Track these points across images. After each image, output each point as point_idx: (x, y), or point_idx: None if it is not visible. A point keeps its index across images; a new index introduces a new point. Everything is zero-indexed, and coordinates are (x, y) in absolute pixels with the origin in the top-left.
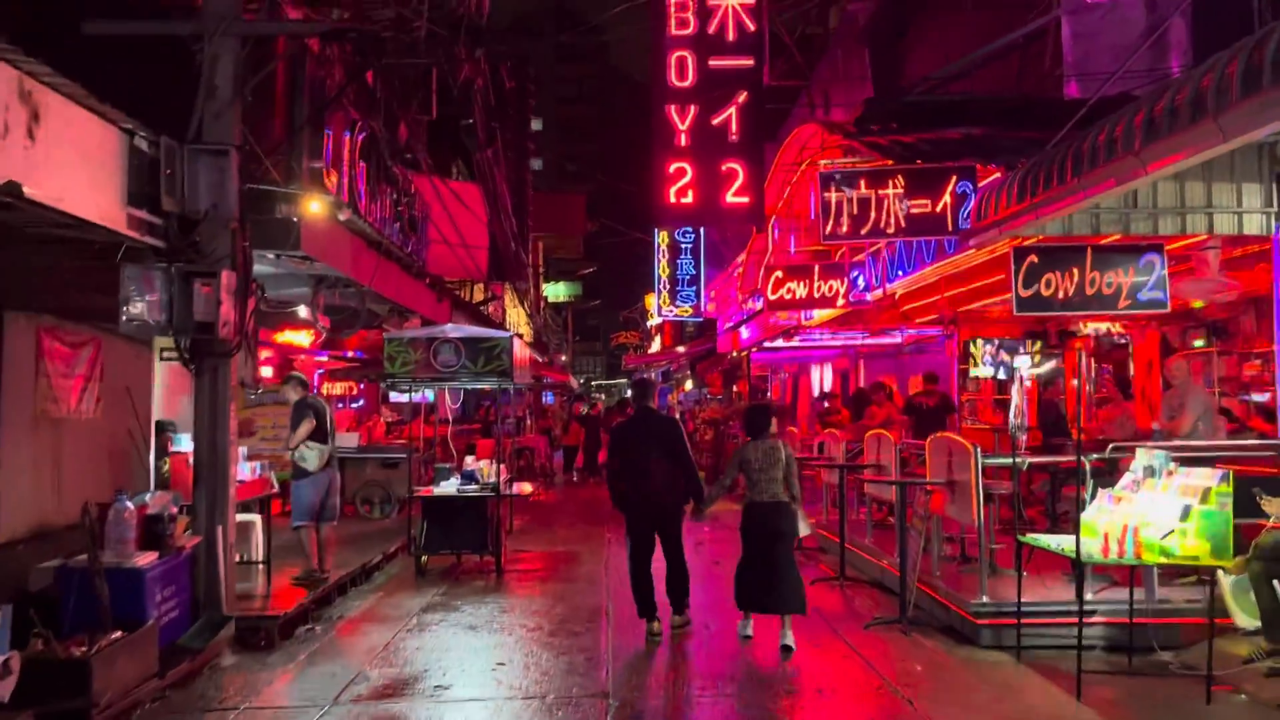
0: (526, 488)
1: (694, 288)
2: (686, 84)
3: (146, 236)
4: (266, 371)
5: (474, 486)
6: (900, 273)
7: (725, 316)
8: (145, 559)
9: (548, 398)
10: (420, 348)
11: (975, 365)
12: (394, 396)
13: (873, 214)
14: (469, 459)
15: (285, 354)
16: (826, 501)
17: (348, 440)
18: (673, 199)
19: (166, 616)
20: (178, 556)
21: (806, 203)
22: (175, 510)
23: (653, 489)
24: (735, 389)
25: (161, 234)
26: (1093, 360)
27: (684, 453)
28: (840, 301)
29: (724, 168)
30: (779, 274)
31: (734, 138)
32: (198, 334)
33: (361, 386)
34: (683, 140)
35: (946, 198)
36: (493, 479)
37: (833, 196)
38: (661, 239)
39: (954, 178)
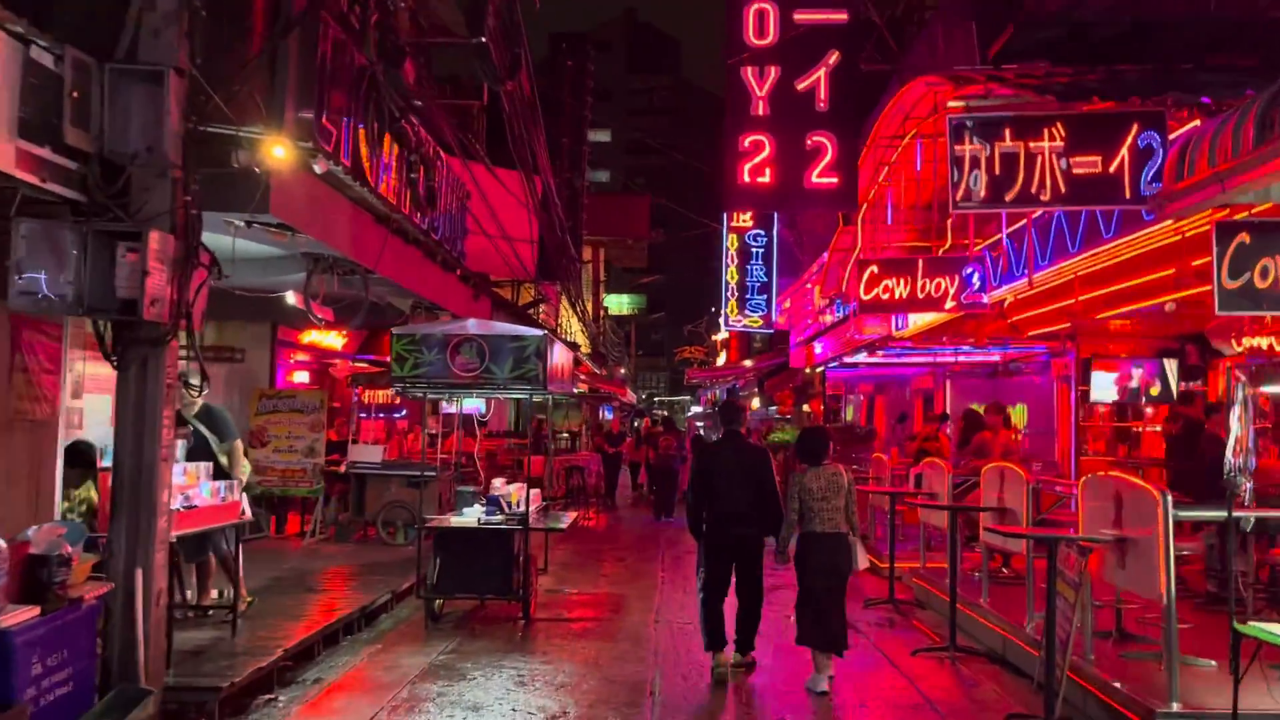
0: (562, 521)
1: (764, 296)
2: (766, 42)
3: (55, 184)
4: (302, 376)
5: (499, 516)
6: (1022, 271)
7: (797, 329)
8: (17, 617)
9: (607, 412)
10: (435, 347)
11: (1097, 388)
12: (446, 407)
13: (1020, 174)
14: (496, 482)
15: (320, 358)
16: (924, 545)
17: (370, 454)
18: (747, 178)
19: (52, 693)
20: (73, 611)
21: (909, 183)
22: (68, 549)
23: (735, 521)
24: (806, 408)
25: (78, 183)
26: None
27: (772, 486)
28: (949, 304)
29: (810, 141)
30: (874, 269)
31: (822, 106)
32: (120, 314)
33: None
34: (761, 109)
35: (1124, 153)
36: (522, 508)
37: (966, 150)
38: (730, 242)
39: (1135, 125)
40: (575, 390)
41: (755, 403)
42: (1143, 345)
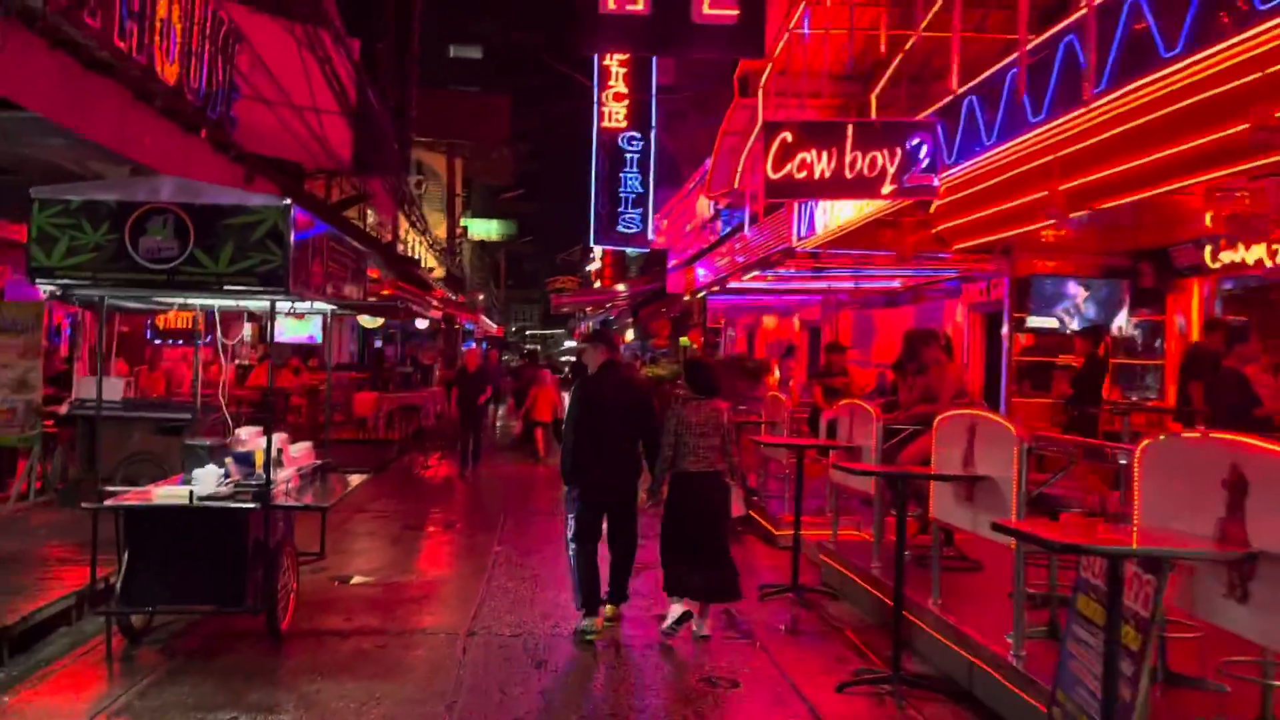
0: (335, 494)
1: (640, 210)
2: None
3: None
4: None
5: (229, 487)
6: (988, 142)
7: (676, 250)
8: None
9: (469, 344)
10: (106, 220)
11: (1036, 312)
12: (279, 333)
13: None
14: (242, 432)
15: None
16: (835, 512)
17: (107, 389)
18: (612, 5)
19: None
20: None
21: (832, 38)
22: None
23: (618, 462)
24: (685, 341)
25: None
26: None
27: (657, 425)
28: (888, 188)
29: None
30: (787, 135)
31: None
32: None
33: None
34: None
35: None
36: (284, 472)
37: None
38: (601, 144)
39: None
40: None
41: (629, 334)
42: (1086, 263)
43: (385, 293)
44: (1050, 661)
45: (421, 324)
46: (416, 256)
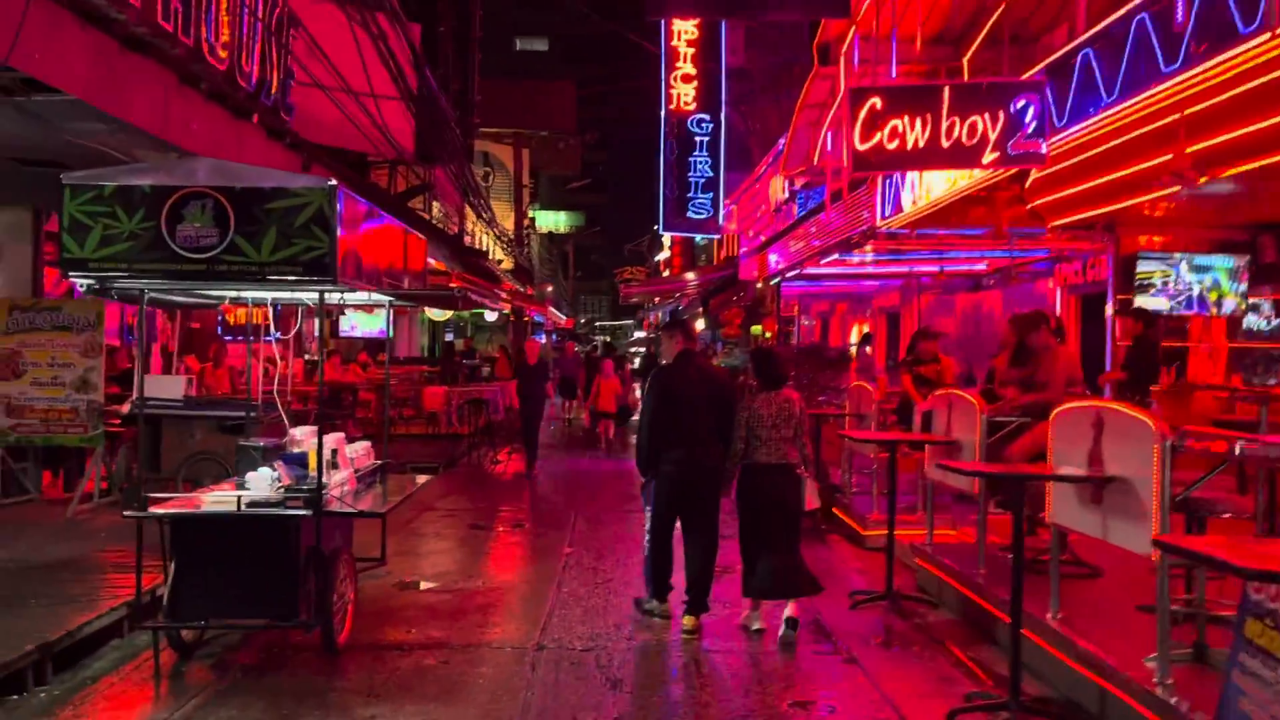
0: (390, 498)
1: (710, 194)
2: None
3: None
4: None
5: (275, 493)
6: (1107, 100)
7: (748, 235)
8: None
9: (539, 336)
10: (141, 207)
11: (1143, 292)
12: (350, 328)
13: None
14: (297, 432)
15: None
16: (930, 510)
17: (168, 387)
18: None
19: None
20: None
21: None
22: None
23: (696, 456)
24: (757, 329)
25: None
26: None
27: (733, 418)
28: (989, 156)
29: None
30: (876, 101)
31: None
32: None
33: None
34: None
35: None
36: (337, 474)
37: None
38: (670, 129)
39: None
40: (442, 295)
41: (700, 324)
42: (1198, 238)
43: (453, 285)
44: (1199, 690)
45: (490, 316)
46: (484, 248)
